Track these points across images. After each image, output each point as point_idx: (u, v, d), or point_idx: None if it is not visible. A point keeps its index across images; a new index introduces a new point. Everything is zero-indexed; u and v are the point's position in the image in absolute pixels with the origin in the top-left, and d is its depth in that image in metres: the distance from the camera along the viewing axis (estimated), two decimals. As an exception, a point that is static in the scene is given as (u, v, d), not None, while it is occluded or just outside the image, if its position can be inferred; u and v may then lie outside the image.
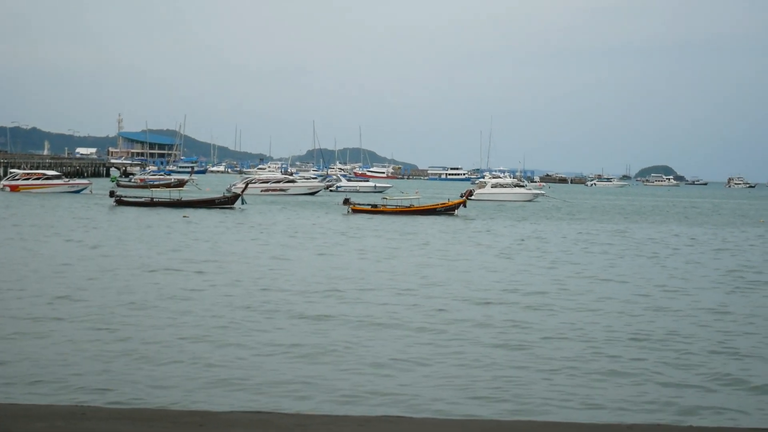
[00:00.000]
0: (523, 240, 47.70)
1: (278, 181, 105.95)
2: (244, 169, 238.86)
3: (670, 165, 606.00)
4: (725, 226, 68.02)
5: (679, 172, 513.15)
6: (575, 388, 15.03)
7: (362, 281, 28.00)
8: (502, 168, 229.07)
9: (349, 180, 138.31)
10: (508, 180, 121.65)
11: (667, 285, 29.13)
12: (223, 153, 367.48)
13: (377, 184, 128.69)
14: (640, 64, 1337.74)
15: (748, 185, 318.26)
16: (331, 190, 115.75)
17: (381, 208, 69.15)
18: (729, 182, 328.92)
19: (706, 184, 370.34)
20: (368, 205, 70.65)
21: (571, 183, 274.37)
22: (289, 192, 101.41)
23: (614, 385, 15.29)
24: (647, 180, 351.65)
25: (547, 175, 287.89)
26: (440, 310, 22.60)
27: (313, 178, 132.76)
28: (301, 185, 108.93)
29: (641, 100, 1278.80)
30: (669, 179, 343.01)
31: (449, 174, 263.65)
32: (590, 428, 9.21)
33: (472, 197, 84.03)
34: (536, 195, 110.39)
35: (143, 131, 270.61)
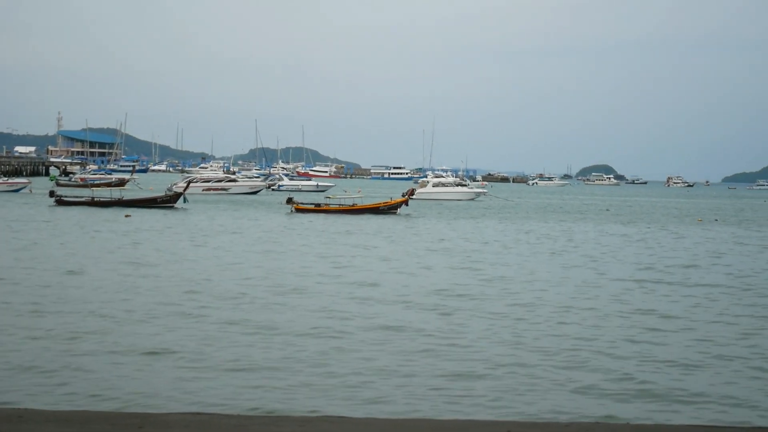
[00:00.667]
0: (465, 238, 48.16)
1: (219, 181, 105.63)
2: (186, 168, 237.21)
3: (610, 164, 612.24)
4: (664, 224, 68.94)
5: (620, 172, 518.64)
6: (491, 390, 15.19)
7: (287, 282, 27.98)
8: (444, 167, 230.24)
9: (291, 179, 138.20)
10: (450, 179, 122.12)
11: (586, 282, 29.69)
12: (165, 152, 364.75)
13: (319, 183, 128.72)
14: (581, 65, 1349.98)
15: (686, 184, 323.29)
16: (273, 189, 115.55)
17: (324, 207, 69.19)
18: (668, 181, 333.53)
19: (645, 183, 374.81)
20: (311, 204, 70.65)
21: (513, 182, 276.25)
22: (230, 191, 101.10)
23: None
24: (588, 179, 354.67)
25: (490, 174, 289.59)
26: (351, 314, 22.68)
27: (256, 177, 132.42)
28: (243, 184, 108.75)
29: (582, 101, 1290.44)
30: (609, 178, 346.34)
31: (392, 173, 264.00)
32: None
33: (414, 196, 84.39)
34: (478, 194, 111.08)
35: (83, 130, 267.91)
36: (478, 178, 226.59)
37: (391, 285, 27.41)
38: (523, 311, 22.97)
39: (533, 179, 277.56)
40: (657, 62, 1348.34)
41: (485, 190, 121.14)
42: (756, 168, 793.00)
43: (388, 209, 69.76)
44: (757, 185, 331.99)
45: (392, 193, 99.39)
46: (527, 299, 25.12)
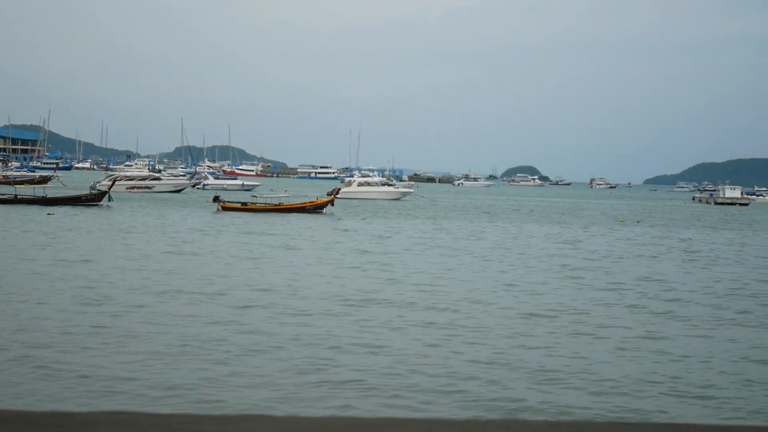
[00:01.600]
0: (386, 237, 48.32)
1: (143, 179, 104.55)
2: (111, 166, 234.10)
3: (535, 165, 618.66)
4: (587, 225, 69.81)
5: (544, 173, 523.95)
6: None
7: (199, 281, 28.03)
8: (371, 167, 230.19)
9: (216, 178, 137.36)
10: (376, 179, 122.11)
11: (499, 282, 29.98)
12: (89, 149, 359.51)
13: (245, 182, 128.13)
14: (506, 66, 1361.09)
15: (609, 186, 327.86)
16: (198, 188, 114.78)
17: (251, 206, 68.98)
18: (591, 183, 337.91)
19: (569, 184, 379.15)
20: (238, 203, 70.36)
21: (439, 182, 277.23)
22: (154, 189, 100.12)
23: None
24: (513, 180, 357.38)
25: (416, 174, 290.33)
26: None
27: (182, 176, 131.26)
28: (167, 182, 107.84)
29: (508, 102, 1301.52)
30: (534, 179, 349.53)
31: (319, 173, 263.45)
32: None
33: (339, 196, 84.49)
34: (404, 194, 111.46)
35: (5, 126, 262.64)
36: (405, 178, 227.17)
37: (304, 286, 27.38)
38: (426, 312, 23.39)
39: (459, 180, 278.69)
40: (581, 65, 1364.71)
41: (412, 190, 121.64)
42: (676, 170, 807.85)
43: (314, 209, 69.87)
44: (678, 187, 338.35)
45: (318, 192, 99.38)
46: (419, 298, 25.49)
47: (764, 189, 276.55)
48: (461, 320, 22.12)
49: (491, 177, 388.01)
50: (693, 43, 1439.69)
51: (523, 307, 24.65)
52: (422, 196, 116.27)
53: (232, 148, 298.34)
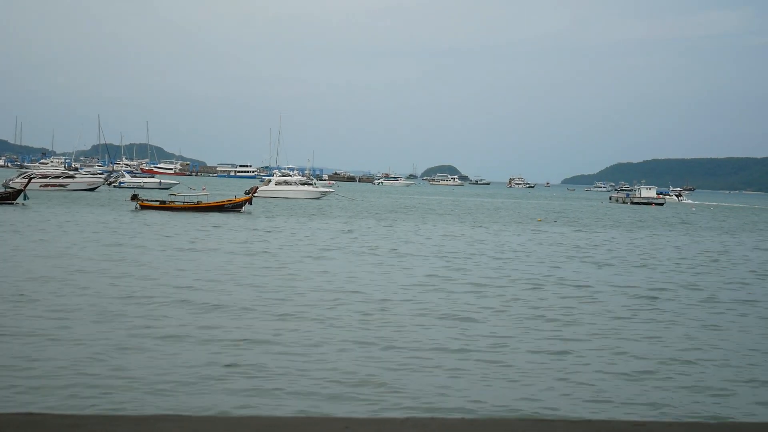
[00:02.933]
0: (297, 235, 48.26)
1: (57, 176, 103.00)
2: (26, 164, 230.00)
3: (455, 165, 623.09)
4: (507, 224, 70.44)
5: (464, 172, 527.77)
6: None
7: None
8: (291, 166, 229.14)
9: (133, 176, 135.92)
10: (295, 178, 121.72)
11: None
12: (3, 146, 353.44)
13: (162, 180, 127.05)
14: (428, 66, 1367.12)
15: (527, 185, 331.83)
16: (114, 186, 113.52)
17: (169, 204, 68.38)
18: (510, 182, 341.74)
19: (488, 183, 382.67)
20: (157, 201, 69.75)
21: (360, 181, 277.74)
22: (68, 187, 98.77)
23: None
24: (433, 179, 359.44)
25: (336, 173, 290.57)
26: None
27: (99, 174, 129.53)
28: (81, 180, 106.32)
29: (429, 102, 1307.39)
30: (454, 179, 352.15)
31: (238, 171, 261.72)
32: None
33: (257, 194, 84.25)
34: (324, 193, 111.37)
35: None
36: (325, 177, 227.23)
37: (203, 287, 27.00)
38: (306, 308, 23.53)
39: (379, 179, 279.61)
40: (500, 66, 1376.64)
41: (332, 189, 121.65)
42: (594, 170, 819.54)
43: (232, 207, 69.67)
44: (595, 187, 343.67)
45: (237, 191, 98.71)
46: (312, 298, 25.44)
47: (679, 189, 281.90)
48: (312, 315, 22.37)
49: (411, 176, 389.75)
50: (609, 43, 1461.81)
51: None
52: (342, 196, 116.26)
53: (151, 146, 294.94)
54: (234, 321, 21.14)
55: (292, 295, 25.52)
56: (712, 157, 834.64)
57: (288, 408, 13.83)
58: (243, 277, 29.49)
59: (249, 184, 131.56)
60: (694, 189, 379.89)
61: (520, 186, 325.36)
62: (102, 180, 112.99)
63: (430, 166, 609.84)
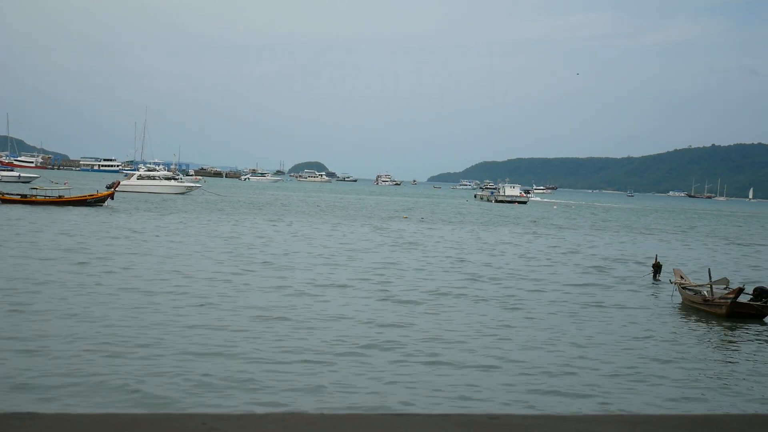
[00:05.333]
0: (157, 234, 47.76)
1: None
2: None
3: (322, 162, 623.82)
4: (370, 221, 70.94)
5: (331, 169, 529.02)
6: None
7: None
8: (157, 160, 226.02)
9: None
10: (160, 173, 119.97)
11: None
12: None
13: (22, 174, 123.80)
14: (295, 62, 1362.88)
15: (394, 182, 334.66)
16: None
17: (31, 198, 66.88)
18: (377, 179, 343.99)
19: (356, 180, 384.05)
20: (18, 195, 68.13)
21: (226, 177, 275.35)
22: None
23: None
24: (300, 175, 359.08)
25: (202, 168, 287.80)
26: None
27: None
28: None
29: (296, 97, 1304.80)
30: (321, 175, 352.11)
31: (102, 165, 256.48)
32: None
33: (119, 189, 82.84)
34: (190, 188, 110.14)
35: None
36: (191, 172, 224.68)
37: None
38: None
39: (246, 174, 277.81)
40: (367, 63, 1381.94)
41: (198, 185, 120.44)
42: (459, 168, 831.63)
43: (95, 201, 68.47)
44: (460, 185, 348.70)
45: (100, 185, 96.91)
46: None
47: (541, 188, 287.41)
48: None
49: (279, 172, 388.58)
50: (478, 44, 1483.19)
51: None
52: (208, 191, 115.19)
53: (11, 138, 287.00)
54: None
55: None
56: (575, 156, 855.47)
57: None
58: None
59: (113, 178, 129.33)
60: (557, 188, 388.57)
61: (387, 183, 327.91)
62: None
63: (298, 163, 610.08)
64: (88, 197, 69.48)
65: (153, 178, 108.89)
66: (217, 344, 18.68)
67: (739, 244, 68.01)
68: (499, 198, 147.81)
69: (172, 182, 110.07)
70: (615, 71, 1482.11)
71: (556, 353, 19.79)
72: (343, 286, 29.39)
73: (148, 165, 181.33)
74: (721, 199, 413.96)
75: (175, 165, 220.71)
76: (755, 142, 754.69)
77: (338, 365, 17.36)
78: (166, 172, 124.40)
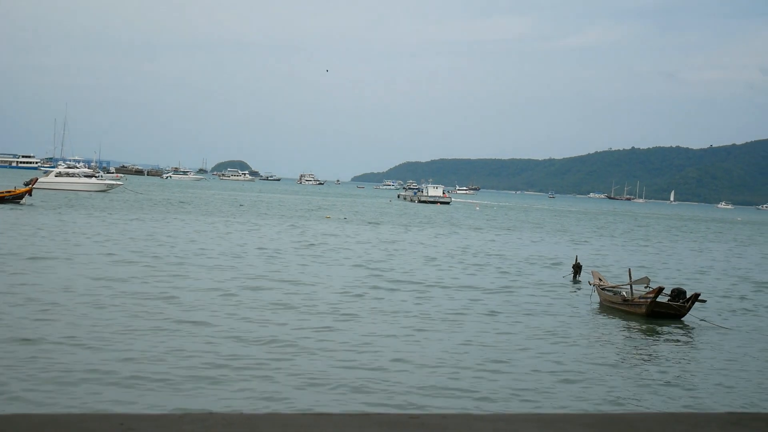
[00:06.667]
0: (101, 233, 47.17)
1: None
2: None
3: (245, 160, 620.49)
4: (294, 220, 70.85)
5: (254, 168, 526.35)
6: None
7: None
8: (77, 158, 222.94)
9: None
10: (79, 170, 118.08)
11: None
12: None
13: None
14: (218, 60, 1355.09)
15: (318, 182, 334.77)
16: None
17: (-55, 195, 65.73)
18: (300, 179, 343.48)
19: (279, 179, 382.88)
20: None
21: (148, 175, 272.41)
22: None
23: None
24: (223, 174, 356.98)
25: (123, 166, 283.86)
26: None
27: None
28: None
29: (220, 96, 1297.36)
30: (244, 174, 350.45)
31: (20, 162, 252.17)
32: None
33: (37, 186, 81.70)
34: (111, 186, 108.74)
35: None
36: (112, 170, 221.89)
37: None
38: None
39: (168, 173, 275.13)
40: (288, 64, 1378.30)
41: (120, 182, 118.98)
42: (383, 168, 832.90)
43: (12, 198, 67.40)
44: (384, 185, 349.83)
45: (18, 182, 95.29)
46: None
47: (464, 188, 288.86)
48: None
49: (201, 171, 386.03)
50: (400, 44, 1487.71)
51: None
52: (130, 190, 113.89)
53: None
54: None
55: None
56: (497, 158, 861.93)
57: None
58: None
59: (32, 175, 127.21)
60: (480, 188, 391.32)
61: (310, 183, 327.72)
62: None
63: (221, 161, 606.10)
64: (5, 194, 68.31)
65: (72, 175, 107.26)
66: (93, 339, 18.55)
67: (649, 245, 69.16)
68: (422, 198, 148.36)
69: (93, 180, 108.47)
70: (537, 74, 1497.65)
71: (471, 355, 19.79)
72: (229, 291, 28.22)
73: (68, 162, 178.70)
74: (640, 201, 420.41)
75: (96, 162, 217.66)
76: (673, 146, 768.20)
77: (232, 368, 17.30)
78: (86, 170, 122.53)
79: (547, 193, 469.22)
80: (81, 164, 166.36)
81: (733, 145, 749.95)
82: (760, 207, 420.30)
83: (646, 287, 28.59)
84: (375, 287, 30.96)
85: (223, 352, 18.17)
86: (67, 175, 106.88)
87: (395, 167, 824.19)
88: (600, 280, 31.85)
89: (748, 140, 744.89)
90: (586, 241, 67.88)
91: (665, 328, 25.59)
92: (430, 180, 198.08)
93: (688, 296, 27.78)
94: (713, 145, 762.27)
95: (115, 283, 27.50)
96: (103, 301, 23.68)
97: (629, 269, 31.51)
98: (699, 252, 64.87)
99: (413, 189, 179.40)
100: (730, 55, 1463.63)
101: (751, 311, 30.99)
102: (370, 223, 75.39)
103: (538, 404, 15.91)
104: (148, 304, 23.83)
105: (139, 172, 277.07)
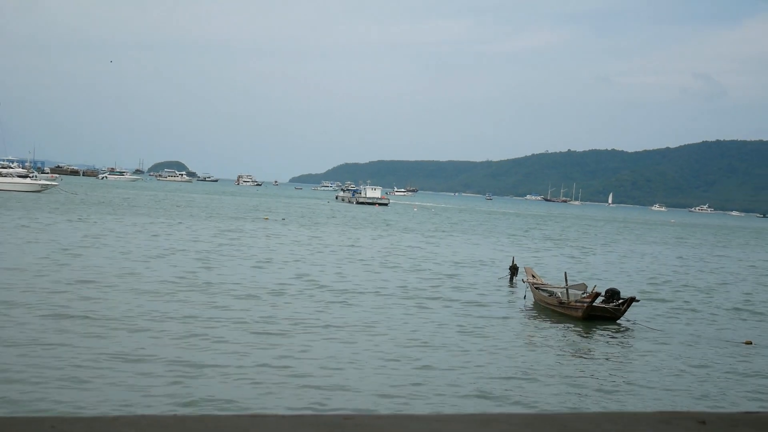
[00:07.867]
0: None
1: None
2: None
3: (182, 161, 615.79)
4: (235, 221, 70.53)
5: (192, 168, 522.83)
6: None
7: None
8: (11, 157, 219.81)
9: None
10: (12, 170, 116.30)
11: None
12: None
13: None
14: (153, 60, 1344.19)
15: (255, 183, 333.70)
16: None
17: None
18: (238, 180, 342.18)
19: (216, 180, 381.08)
20: None
21: (83, 175, 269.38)
22: None
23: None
24: (160, 175, 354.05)
25: (59, 166, 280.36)
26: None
27: None
28: None
29: (157, 96, 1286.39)
30: (182, 175, 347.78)
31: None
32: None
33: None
34: (46, 186, 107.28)
35: None
36: (47, 170, 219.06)
37: None
38: None
39: (104, 173, 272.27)
40: (226, 63, 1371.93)
41: (55, 183, 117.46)
42: (321, 170, 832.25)
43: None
44: (322, 186, 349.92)
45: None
46: None
47: (402, 190, 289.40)
48: None
49: (138, 171, 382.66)
50: (340, 45, 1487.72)
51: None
52: (64, 190, 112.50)
53: None
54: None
55: None
56: (435, 159, 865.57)
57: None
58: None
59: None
60: (418, 190, 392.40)
61: (248, 183, 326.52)
62: None
63: (158, 162, 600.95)
64: (-64, 194, 67.42)
65: (6, 175, 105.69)
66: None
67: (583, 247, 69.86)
68: (361, 200, 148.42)
69: (27, 180, 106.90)
70: (475, 76, 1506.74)
71: (407, 359, 19.74)
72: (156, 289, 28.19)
73: (1, 162, 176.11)
74: (576, 203, 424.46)
75: (30, 162, 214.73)
76: (608, 149, 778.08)
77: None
78: (20, 170, 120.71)
79: (485, 195, 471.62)
80: (15, 164, 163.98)
81: (667, 148, 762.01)
82: (692, 209, 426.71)
83: (583, 293, 28.80)
84: (301, 291, 30.76)
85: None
86: (0, 175, 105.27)
87: (334, 168, 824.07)
88: (533, 276, 32.11)
89: (682, 144, 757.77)
90: (524, 244, 68.38)
91: (599, 330, 25.85)
92: (369, 181, 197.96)
93: (621, 297, 28.12)
94: (648, 149, 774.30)
95: None
96: None
97: (565, 272, 31.78)
98: (630, 254, 65.66)
99: (351, 190, 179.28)
100: (665, 60, 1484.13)
101: (678, 312, 31.57)
102: (302, 226, 75.09)
103: (474, 406, 15.90)
104: None
105: (75, 173, 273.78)
